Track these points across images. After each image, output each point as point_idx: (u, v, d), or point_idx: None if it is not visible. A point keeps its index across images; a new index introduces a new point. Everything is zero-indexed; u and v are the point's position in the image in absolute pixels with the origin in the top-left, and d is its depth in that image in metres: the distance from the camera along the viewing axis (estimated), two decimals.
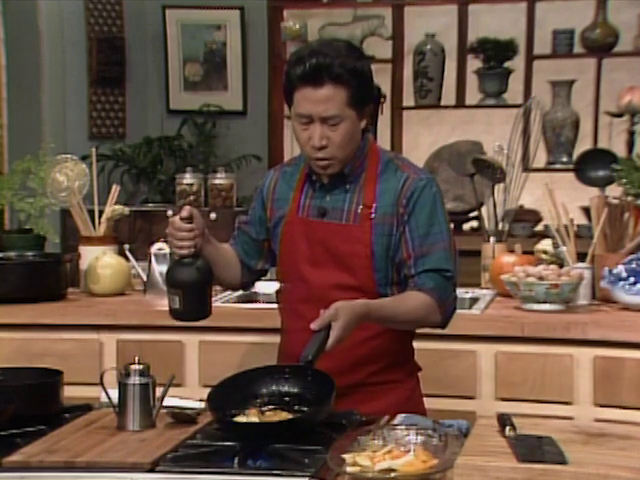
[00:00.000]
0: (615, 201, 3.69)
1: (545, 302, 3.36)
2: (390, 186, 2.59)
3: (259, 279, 2.88)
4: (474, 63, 5.96)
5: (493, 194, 3.97)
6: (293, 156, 2.85)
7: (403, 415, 2.38)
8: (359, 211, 2.58)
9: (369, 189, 2.59)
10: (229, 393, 2.31)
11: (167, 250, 3.70)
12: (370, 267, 2.57)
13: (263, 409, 2.30)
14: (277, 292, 2.76)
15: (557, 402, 3.17)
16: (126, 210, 3.94)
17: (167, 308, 2.55)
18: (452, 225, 5.66)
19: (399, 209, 2.57)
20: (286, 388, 2.35)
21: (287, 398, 2.33)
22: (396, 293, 2.60)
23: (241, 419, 2.25)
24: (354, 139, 2.57)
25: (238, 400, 2.30)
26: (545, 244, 3.88)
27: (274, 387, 2.36)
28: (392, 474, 1.97)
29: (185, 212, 2.51)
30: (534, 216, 5.70)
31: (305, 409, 2.29)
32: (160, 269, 3.72)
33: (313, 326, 2.33)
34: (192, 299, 2.51)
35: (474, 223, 5.86)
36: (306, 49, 2.54)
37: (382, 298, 2.54)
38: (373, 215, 2.57)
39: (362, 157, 2.62)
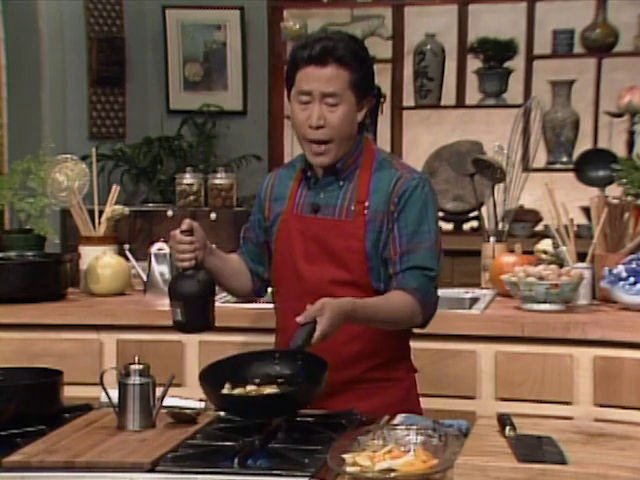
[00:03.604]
0: (615, 201, 3.69)
1: (545, 302, 3.36)
2: (383, 184, 2.61)
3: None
4: (474, 63, 5.97)
5: (493, 194, 3.97)
6: (292, 158, 2.88)
7: (403, 415, 2.39)
8: (352, 207, 2.60)
9: (363, 186, 2.61)
10: (220, 373, 2.31)
11: (167, 250, 3.71)
12: (364, 262, 2.59)
13: (254, 386, 2.31)
14: (272, 292, 2.78)
15: (557, 402, 3.17)
16: (126, 210, 3.94)
17: (167, 308, 2.57)
18: (452, 225, 5.65)
19: (390, 207, 2.59)
20: (277, 370, 2.35)
21: (278, 380, 2.33)
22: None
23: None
24: (350, 126, 2.59)
25: (229, 380, 2.30)
26: (545, 244, 3.88)
27: (265, 369, 2.36)
28: (392, 474, 1.97)
29: (185, 225, 2.54)
30: (534, 216, 5.70)
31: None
32: (160, 269, 3.72)
33: (299, 319, 2.34)
34: (194, 311, 2.52)
35: (474, 223, 5.87)
36: (311, 36, 2.62)
37: (368, 298, 2.54)
38: (366, 212, 2.59)
39: (357, 154, 2.64)
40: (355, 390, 2.60)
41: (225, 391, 2.28)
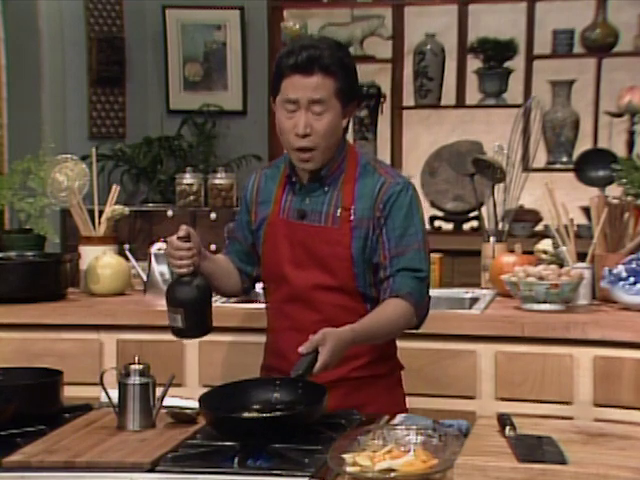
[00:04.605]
0: (615, 201, 3.69)
1: (545, 302, 3.36)
2: (367, 190, 2.62)
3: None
4: (474, 63, 5.97)
5: (493, 194, 3.97)
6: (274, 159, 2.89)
7: (403, 415, 2.39)
8: (338, 214, 2.62)
9: (347, 192, 2.63)
10: (221, 400, 2.30)
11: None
12: (350, 268, 2.61)
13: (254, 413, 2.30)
14: (264, 289, 2.80)
15: (557, 402, 3.17)
16: (126, 210, 3.94)
17: (167, 308, 2.57)
18: (452, 225, 5.65)
19: (375, 213, 2.61)
20: (277, 397, 2.34)
21: (278, 406, 2.31)
22: (375, 294, 2.64)
23: None
24: (336, 133, 2.61)
25: (230, 407, 2.28)
26: (545, 244, 3.88)
27: (264, 396, 2.34)
28: (392, 474, 1.97)
29: (182, 232, 2.54)
30: (534, 216, 5.70)
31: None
32: (160, 269, 3.72)
33: (301, 349, 2.35)
34: (193, 317, 2.53)
35: (474, 223, 5.86)
36: (297, 43, 2.61)
37: (364, 317, 2.55)
38: (352, 218, 2.61)
39: (340, 159, 2.65)
40: (341, 387, 2.60)
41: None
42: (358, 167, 2.66)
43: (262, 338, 3.20)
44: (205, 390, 2.37)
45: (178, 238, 2.53)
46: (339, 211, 2.62)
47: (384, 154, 6.01)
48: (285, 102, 2.57)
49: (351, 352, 2.58)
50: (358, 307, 2.62)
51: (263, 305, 3.39)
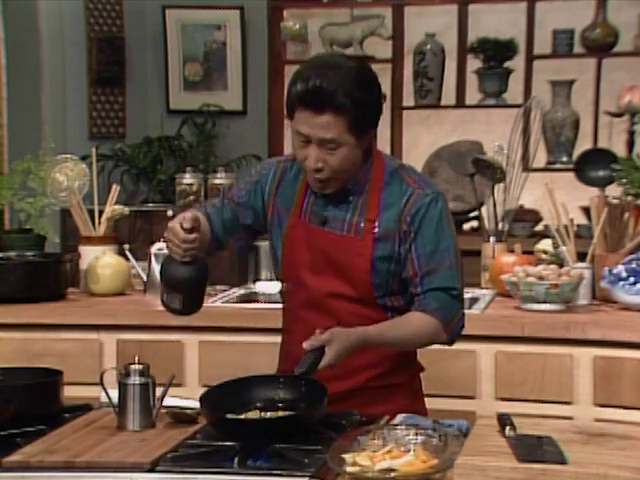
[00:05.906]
0: (615, 201, 3.69)
1: (545, 302, 3.36)
2: (394, 200, 2.52)
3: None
4: (474, 63, 5.96)
5: (493, 194, 3.98)
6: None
7: (403, 415, 2.38)
8: (362, 224, 2.53)
9: (373, 202, 2.54)
10: (222, 398, 2.29)
11: (167, 250, 3.69)
12: (369, 281, 2.53)
13: (256, 411, 2.30)
14: (281, 292, 2.75)
15: (557, 402, 3.17)
16: (126, 210, 3.94)
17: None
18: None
19: (402, 225, 2.51)
20: (280, 395, 2.34)
21: (280, 404, 2.31)
22: (395, 303, 2.58)
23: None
24: (353, 163, 2.49)
25: (232, 405, 2.28)
26: (545, 244, 3.88)
27: (268, 394, 2.34)
28: (392, 474, 1.97)
29: (188, 223, 2.43)
30: (534, 216, 5.70)
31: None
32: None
33: (305, 345, 2.33)
34: (193, 298, 2.51)
35: (474, 223, 5.86)
36: (311, 66, 2.46)
37: (382, 323, 2.50)
38: (376, 230, 2.52)
39: (366, 168, 2.55)
40: (361, 397, 2.57)
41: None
42: (385, 175, 2.55)
43: (262, 338, 3.21)
44: (205, 390, 2.37)
45: (184, 229, 2.43)
46: (363, 222, 2.52)
47: None
48: (297, 133, 2.45)
49: (369, 360, 2.56)
50: (378, 316, 2.54)
51: (264, 305, 3.41)
